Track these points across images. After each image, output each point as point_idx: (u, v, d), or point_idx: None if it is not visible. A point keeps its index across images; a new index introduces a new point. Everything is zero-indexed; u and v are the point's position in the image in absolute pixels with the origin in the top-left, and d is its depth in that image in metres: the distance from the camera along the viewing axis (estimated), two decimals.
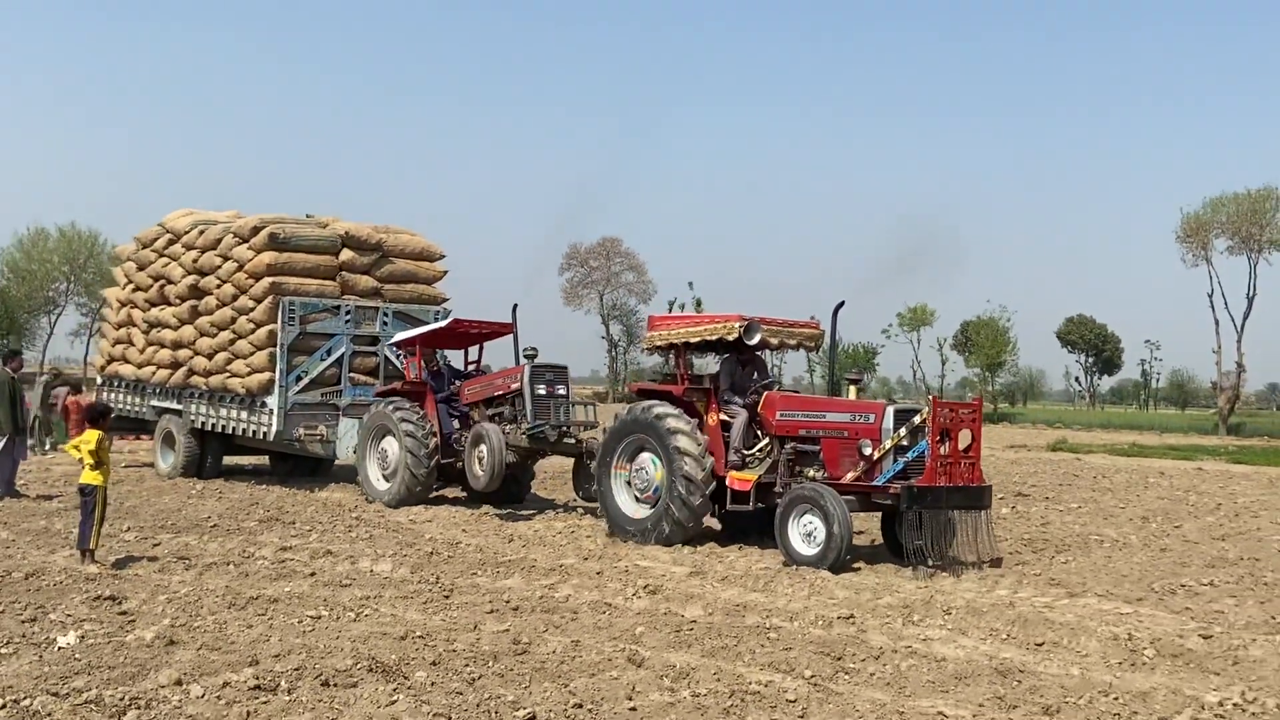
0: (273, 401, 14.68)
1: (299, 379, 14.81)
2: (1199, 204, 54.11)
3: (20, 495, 12.96)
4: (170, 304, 16.40)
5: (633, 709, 5.43)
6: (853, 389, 11.44)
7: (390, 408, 13.58)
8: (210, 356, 15.51)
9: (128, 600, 7.41)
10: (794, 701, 5.63)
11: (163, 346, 16.42)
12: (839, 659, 6.45)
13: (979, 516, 10.02)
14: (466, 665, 6.04)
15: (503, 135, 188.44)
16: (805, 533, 9.66)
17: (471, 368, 14.83)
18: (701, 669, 6.14)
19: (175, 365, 16.15)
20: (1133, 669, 6.46)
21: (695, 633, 7.02)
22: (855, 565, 9.74)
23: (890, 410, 10.22)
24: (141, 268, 17.16)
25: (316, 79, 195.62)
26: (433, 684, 5.67)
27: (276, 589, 8.01)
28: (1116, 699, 5.81)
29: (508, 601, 7.79)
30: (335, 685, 5.57)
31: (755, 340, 10.91)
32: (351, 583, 8.37)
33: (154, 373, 16.54)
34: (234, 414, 15.31)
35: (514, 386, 13.23)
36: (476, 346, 14.84)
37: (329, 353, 15.05)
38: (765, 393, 11.04)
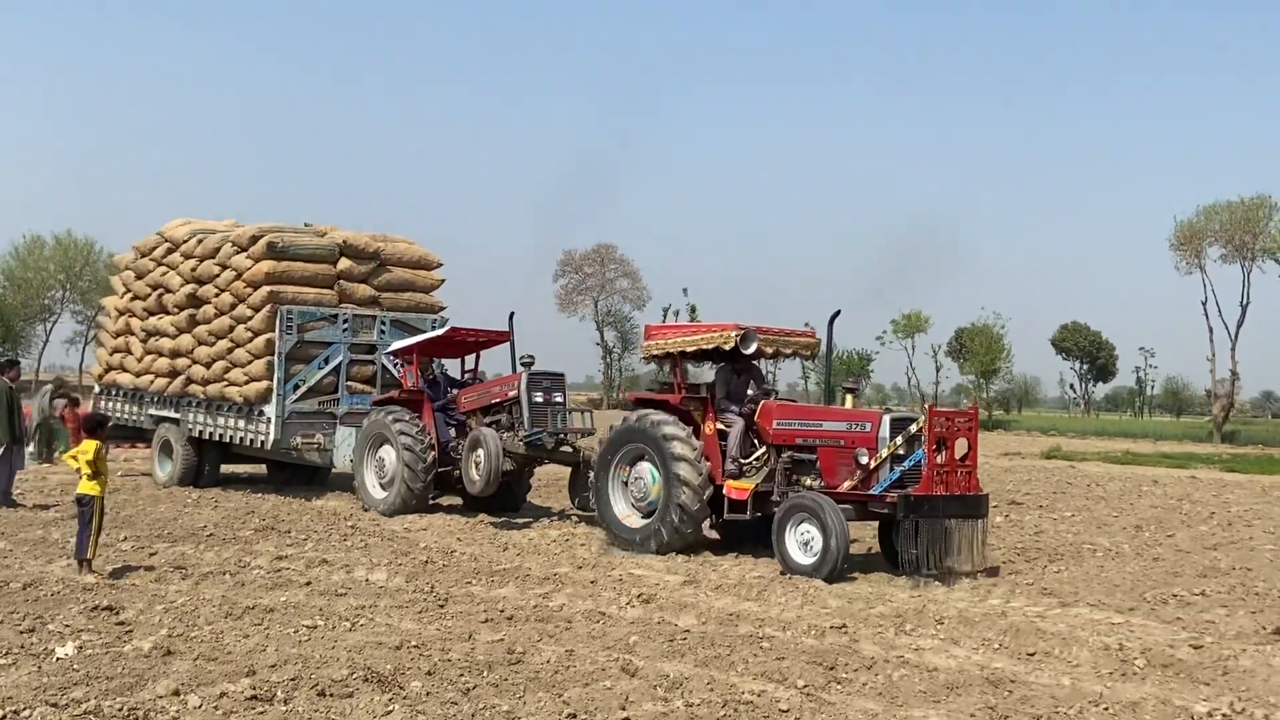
0: (270, 410, 14.71)
1: (297, 387, 14.84)
2: (1193, 212, 54.41)
3: (17, 505, 12.97)
4: (168, 313, 16.43)
5: (626, 719, 5.48)
6: (849, 397, 11.50)
7: (388, 416, 13.62)
8: (208, 365, 15.54)
9: (125, 610, 7.46)
10: (786, 711, 5.68)
11: (161, 355, 16.44)
12: (831, 669, 6.50)
13: (976, 525, 10.06)
14: (461, 675, 6.09)
15: (502, 138, 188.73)
16: (802, 542, 9.71)
17: (468, 376, 14.88)
18: (695, 679, 6.19)
19: (173, 374, 16.18)
20: (1123, 679, 6.51)
21: (689, 642, 7.07)
22: (850, 575, 9.78)
23: (887, 419, 10.27)
24: (140, 276, 17.20)
25: (314, 87, 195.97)
26: (428, 694, 5.72)
27: (272, 598, 8.05)
28: (1106, 709, 5.87)
29: (502, 610, 7.84)
30: (331, 695, 5.62)
31: (752, 349, 10.97)
32: (347, 592, 8.42)
33: (152, 381, 16.56)
34: (232, 422, 15.34)
35: (511, 394, 13.28)
36: (473, 355, 14.90)
37: (326, 361, 15.08)
38: (762, 401, 11.10)
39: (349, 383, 15.30)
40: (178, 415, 16.12)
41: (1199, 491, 20.24)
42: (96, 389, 18.44)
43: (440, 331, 14.37)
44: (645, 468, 11.18)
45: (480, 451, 12.58)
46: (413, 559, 9.99)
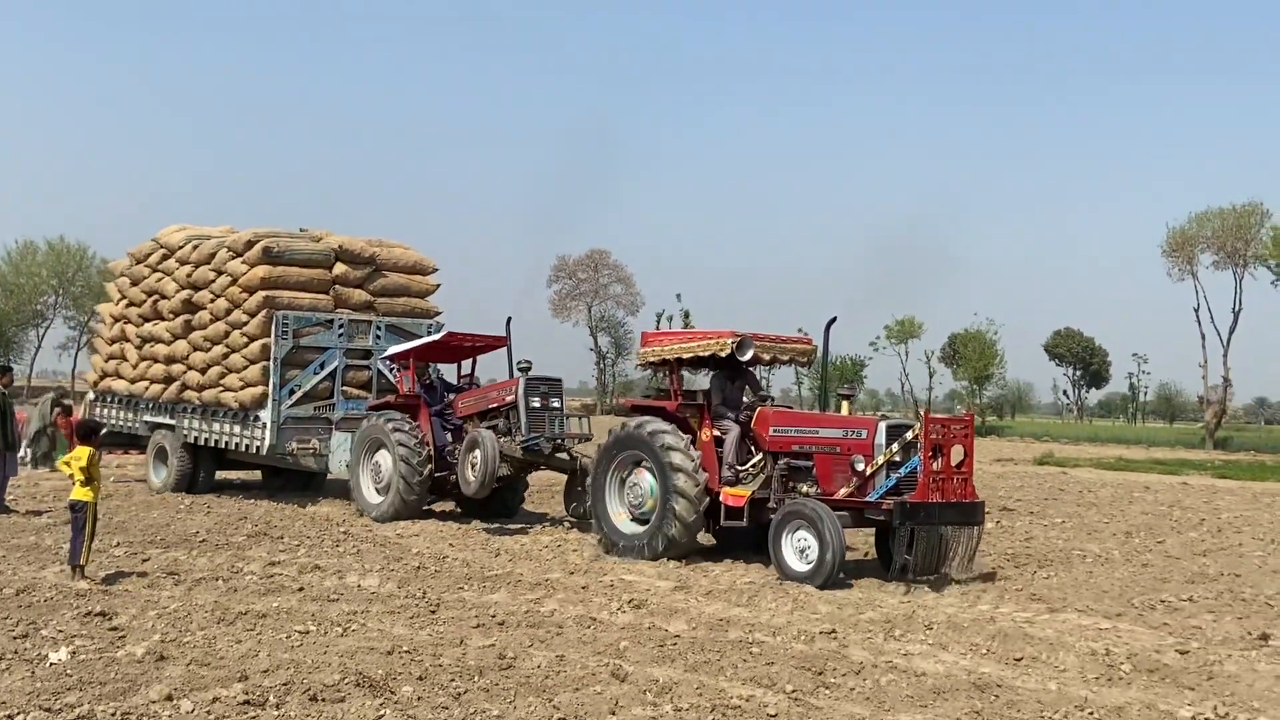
0: (266, 415, 14.75)
1: (292, 393, 14.88)
2: (1185, 218, 54.65)
3: (9, 511, 12.99)
4: (164, 319, 16.45)
5: None
6: (845, 404, 11.54)
7: (384, 421, 13.65)
8: (203, 371, 15.57)
9: (118, 616, 7.48)
10: (775, 716, 5.73)
11: (156, 361, 16.47)
12: (820, 674, 6.55)
13: (971, 532, 10.11)
14: (452, 680, 6.13)
15: (501, 144, 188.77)
16: (799, 549, 9.73)
17: (464, 381, 14.92)
18: (684, 683, 6.24)
19: (168, 380, 16.21)
20: (1109, 684, 6.57)
21: (678, 647, 7.11)
22: (847, 582, 9.82)
23: (883, 426, 10.27)
24: (135, 283, 17.23)
25: (310, 92, 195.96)
26: (419, 699, 5.77)
27: (265, 604, 8.09)
28: (1092, 714, 5.93)
29: (494, 616, 7.88)
30: (323, 700, 5.66)
31: (748, 356, 11.01)
32: (339, 597, 8.45)
33: (147, 387, 16.59)
34: (227, 428, 15.36)
35: (508, 399, 13.31)
36: (469, 360, 14.94)
37: (322, 366, 15.12)
38: (758, 408, 11.15)
39: (344, 388, 15.34)
40: (173, 421, 16.15)
41: (1190, 498, 20.34)
42: (90, 395, 18.45)
43: (437, 336, 14.41)
44: (642, 475, 11.21)
45: (477, 453, 12.60)
46: (405, 564, 10.03)
